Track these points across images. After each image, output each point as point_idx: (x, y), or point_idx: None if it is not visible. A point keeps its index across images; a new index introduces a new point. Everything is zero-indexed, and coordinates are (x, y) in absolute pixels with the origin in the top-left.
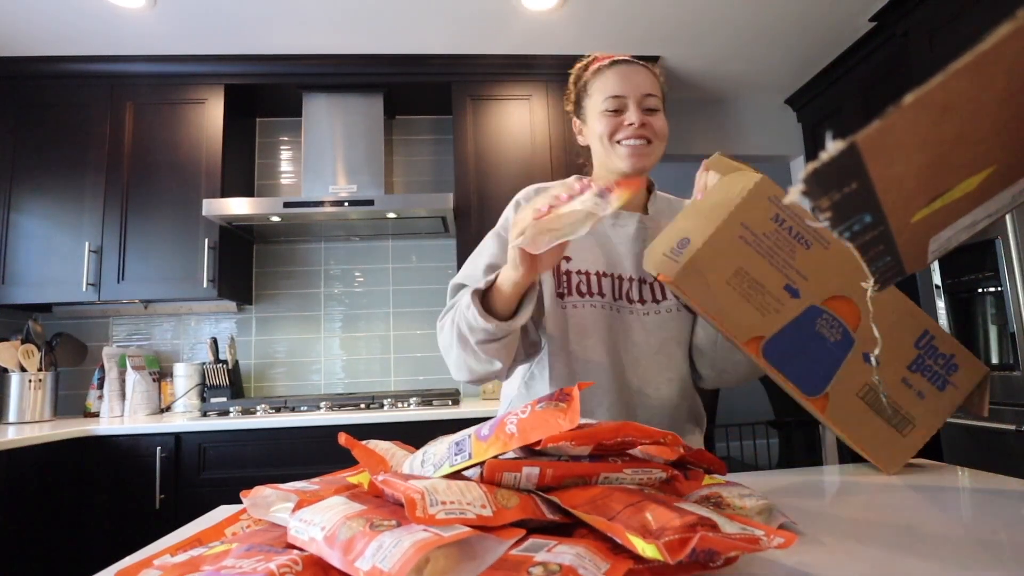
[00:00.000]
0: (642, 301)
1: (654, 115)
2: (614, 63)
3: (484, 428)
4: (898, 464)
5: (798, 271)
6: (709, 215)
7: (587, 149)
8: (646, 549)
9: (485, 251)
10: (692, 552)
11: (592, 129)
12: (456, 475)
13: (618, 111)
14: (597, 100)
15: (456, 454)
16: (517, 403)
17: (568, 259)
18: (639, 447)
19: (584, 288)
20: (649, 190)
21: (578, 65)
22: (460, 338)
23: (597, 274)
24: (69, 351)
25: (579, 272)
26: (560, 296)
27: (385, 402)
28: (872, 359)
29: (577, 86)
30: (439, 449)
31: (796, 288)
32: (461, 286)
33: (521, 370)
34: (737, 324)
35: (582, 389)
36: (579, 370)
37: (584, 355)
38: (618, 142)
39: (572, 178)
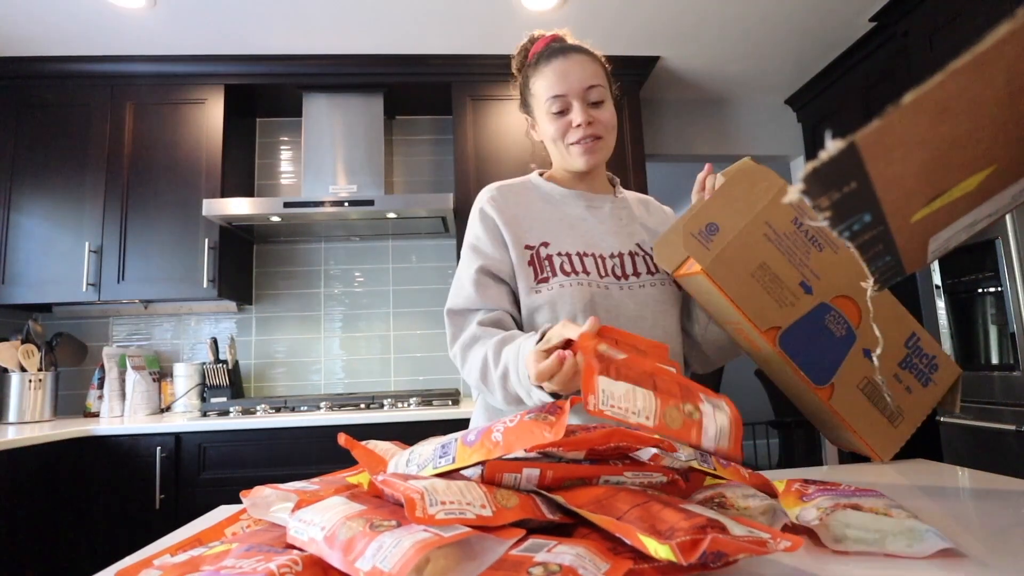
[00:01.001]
0: (636, 274)
1: (600, 108)
2: (550, 56)
3: (471, 434)
4: (890, 453)
5: (812, 270)
6: (736, 209)
7: (542, 144)
8: (659, 550)
9: (469, 267)
10: (702, 553)
11: (543, 129)
12: (456, 475)
13: (563, 111)
14: (541, 100)
15: (440, 456)
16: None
17: (546, 244)
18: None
19: (568, 268)
20: (612, 184)
21: (517, 53)
22: (504, 387)
23: (579, 254)
24: (69, 351)
25: (560, 254)
26: (545, 281)
27: (385, 402)
28: (873, 357)
29: (520, 81)
30: (425, 450)
31: (810, 285)
32: (464, 311)
33: None
34: (758, 313)
35: (574, 404)
36: None
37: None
38: (569, 143)
39: (534, 173)
